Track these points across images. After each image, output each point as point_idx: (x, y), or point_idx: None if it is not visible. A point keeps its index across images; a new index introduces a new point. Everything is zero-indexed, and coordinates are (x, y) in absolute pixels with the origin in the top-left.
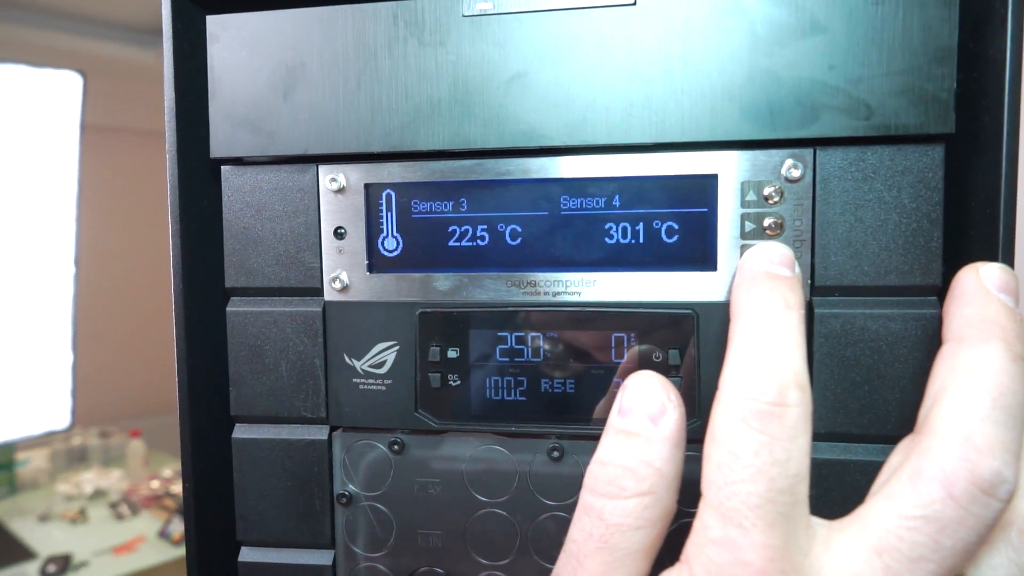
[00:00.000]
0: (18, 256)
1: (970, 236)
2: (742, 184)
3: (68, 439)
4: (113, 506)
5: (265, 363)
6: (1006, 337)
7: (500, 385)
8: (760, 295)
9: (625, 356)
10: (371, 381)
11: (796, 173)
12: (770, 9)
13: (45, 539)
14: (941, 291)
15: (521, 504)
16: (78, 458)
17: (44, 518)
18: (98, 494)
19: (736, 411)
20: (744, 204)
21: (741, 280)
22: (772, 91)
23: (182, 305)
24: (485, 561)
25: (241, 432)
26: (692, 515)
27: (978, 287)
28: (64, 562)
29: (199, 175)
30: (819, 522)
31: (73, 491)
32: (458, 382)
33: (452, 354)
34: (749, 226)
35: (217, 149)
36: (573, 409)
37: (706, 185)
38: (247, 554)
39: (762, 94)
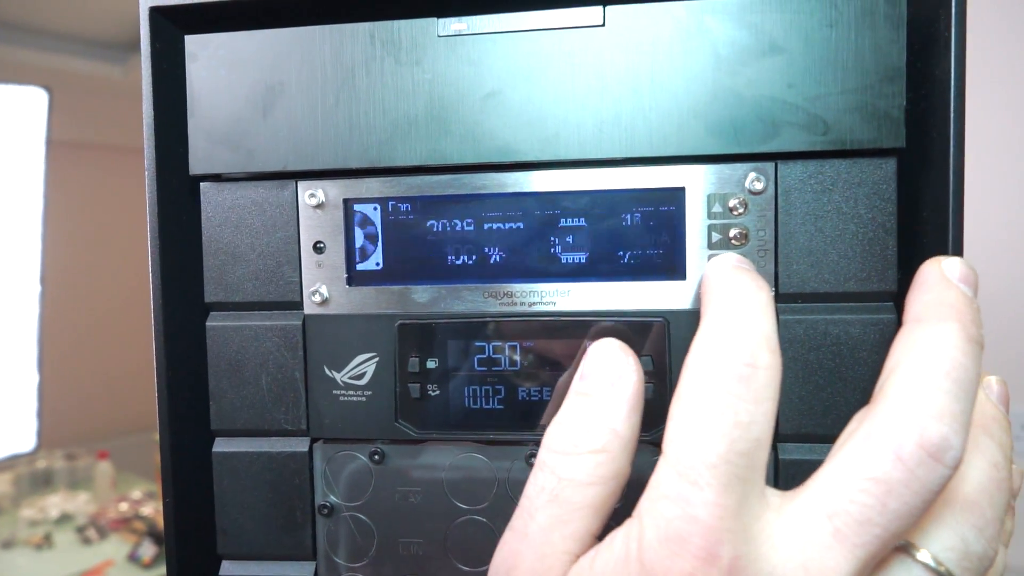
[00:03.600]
0: None
1: (923, 244)
2: (708, 196)
3: (32, 462)
4: (80, 530)
5: (245, 377)
6: (962, 319)
7: (478, 394)
8: (731, 279)
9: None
10: (351, 392)
11: (759, 186)
12: (732, 31)
13: (9, 567)
14: (897, 296)
15: (500, 510)
16: (43, 482)
17: (7, 545)
18: (64, 518)
19: (705, 369)
20: (711, 215)
21: (709, 276)
22: (735, 108)
23: (161, 320)
24: (466, 568)
25: (221, 446)
26: None
27: (939, 276)
28: None
29: (178, 191)
30: (772, 491)
31: (38, 516)
32: (437, 392)
33: (431, 364)
34: (715, 236)
35: (196, 166)
36: (549, 416)
37: (674, 197)
38: (228, 568)
39: (726, 111)
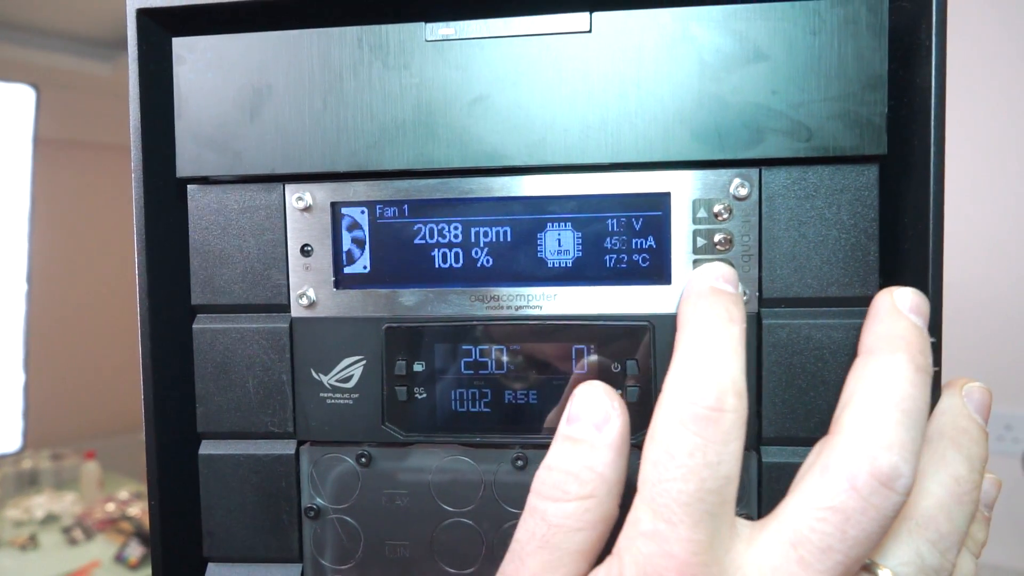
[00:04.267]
0: None
1: (905, 250)
2: (693, 202)
3: (18, 462)
4: (66, 531)
5: (232, 379)
6: (911, 350)
7: (465, 397)
8: (705, 308)
9: (585, 367)
10: (338, 395)
11: (743, 191)
12: (717, 38)
13: None
14: None
15: (487, 513)
16: (28, 482)
17: None
18: (50, 519)
19: (675, 414)
20: (696, 221)
21: (688, 294)
22: (720, 115)
23: (148, 322)
24: (452, 570)
25: (208, 448)
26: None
27: (890, 307)
28: None
29: (164, 194)
30: (743, 522)
31: (23, 516)
32: (424, 395)
33: (418, 368)
34: (701, 241)
35: (183, 168)
36: (536, 419)
37: (660, 202)
38: (214, 571)
39: (711, 117)
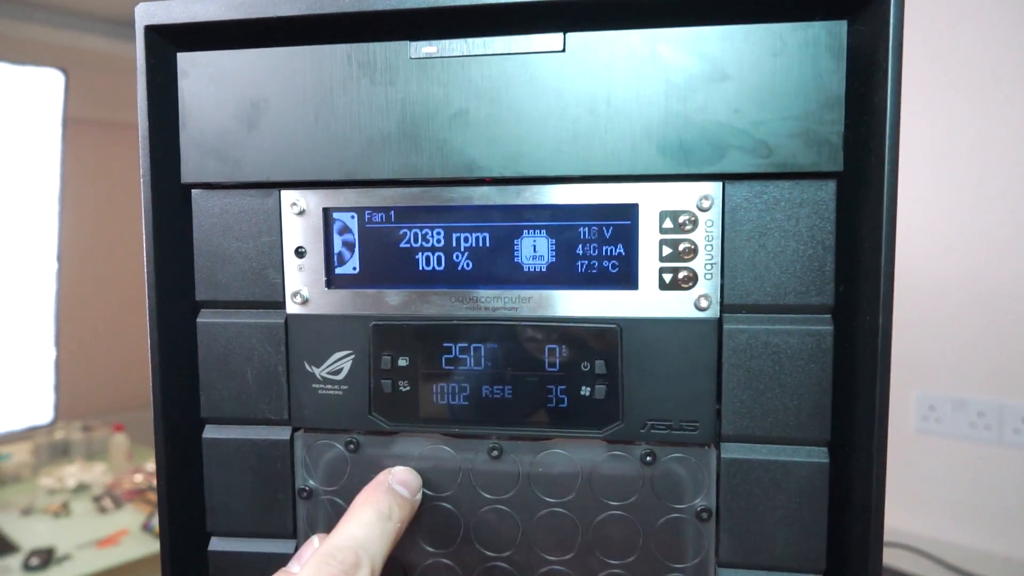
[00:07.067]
0: (1, 251)
1: (860, 260)
2: (660, 213)
3: (51, 433)
4: (96, 500)
5: (232, 370)
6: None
7: (445, 391)
8: (377, 500)
9: (557, 365)
10: (329, 386)
11: (707, 204)
12: (683, 59)
13: (28, 533)
14: (833, 310)
15: (464, 498)
16: (61, 452)
17: (27, 512)
18: (81, 488)
19: (323, 563)
20: (662, 231)
21: (371, 484)
22: (685, 131)
23: (156, 316)
24: (432, 549)
25: (210, 432)
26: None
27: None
28: (47, 555)
29: (171, 198)
30: None
31: (56, 485)
32: (408, 388)
33: (402, 363)
34: (667, 250)
35: (188, 175)
36: (511, 412)
37: (628, 213)
38: (216, 543)
39: (676, 134)
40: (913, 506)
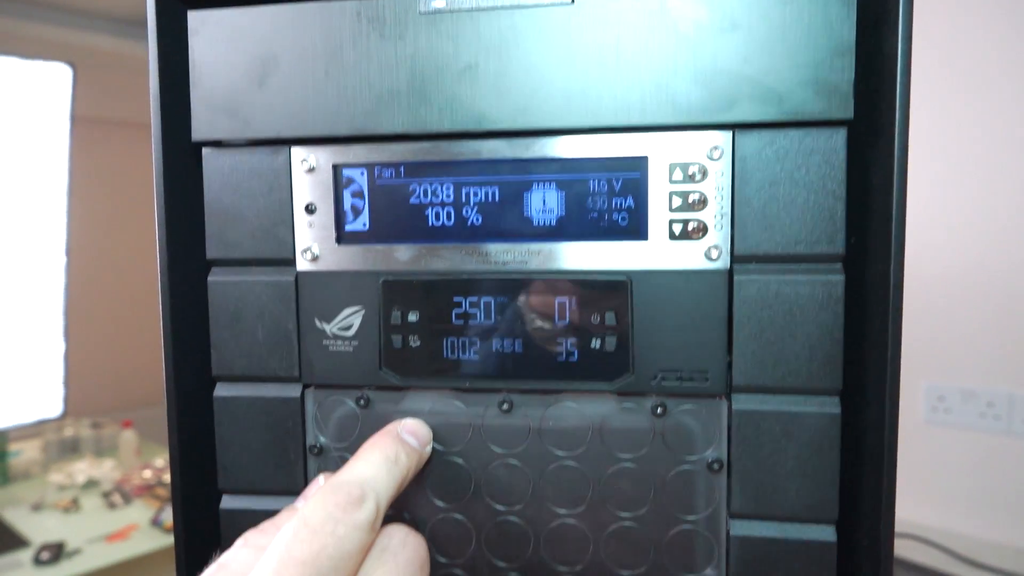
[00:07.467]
0: (10, 245)
1: (872, 210)
2: (670, 165)
3: (60, 430)
4: (106, 495)
5: (243, 327)
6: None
7: (455, 345)
8: (384, 444)
9: (567, 318)
10: (339, 342)
11: (717, 154)
12: (692, 9)
13: (38, 528)
14: (845, 259)
15: (475, 452)
16: (70, 449)
17: (37, 507)
18: (91, 484)
19: (328, 493)
20: (672, 182)
21: (379, 432)
22: (694, 82)
23: (166, 275)
24: (442, 504)
25: (222, 390)
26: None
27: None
28: (57, 549)
29: (182, 157)
30: None
31: (66, 481)
32: (418, 343)
33: (412, 318)
34: (677, 201)
35: (198, 132)
36: (521, 366)
37: (638, 165)
38: (228, 501)
39: (685, 85)
40: (923, 497)
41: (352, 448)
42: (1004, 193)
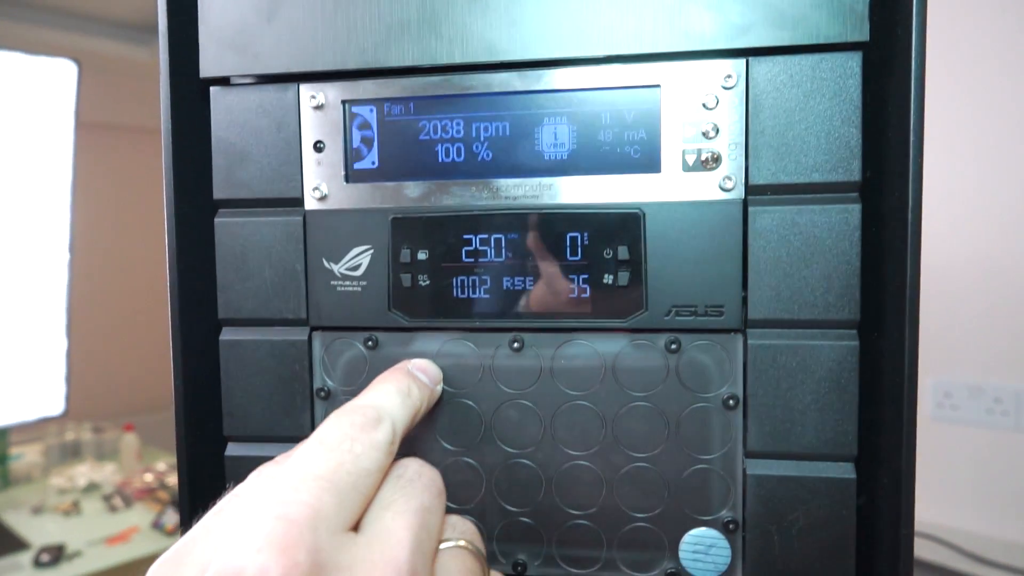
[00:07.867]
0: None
1: (888, 137)
2: (683, 94)
3: (61, 433)
4: (106, 498)
5: (250, 269)
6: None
7: (466, 284)
8: (396, 378)
9: (579, 253)
10: (347, 283)
11: (731, 83)
12: None
13: (38, 530)
14: (861, 187)
15: (485, 393)
16: (71, 452)
17: (37, 510)
18: (91, 487)
19: (343, 414)
20: (685, 112)
21: (389, 369)
22: (707, 7)
23: (173, 216)
24: (451, 447)
25: (228, 334)
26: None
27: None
28: (57, 552)
29: (189, 96)
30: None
31: (66, 484)
32: (427, 282)
33: (422, 256)
34: (690, 131)
35: (206, 69)
36: (532, 304)
37: (650, 95)
38: (233, 449)
39: (698, 10)
40: (930, 494)
41: (360, 391)
42: (1012, 187)
